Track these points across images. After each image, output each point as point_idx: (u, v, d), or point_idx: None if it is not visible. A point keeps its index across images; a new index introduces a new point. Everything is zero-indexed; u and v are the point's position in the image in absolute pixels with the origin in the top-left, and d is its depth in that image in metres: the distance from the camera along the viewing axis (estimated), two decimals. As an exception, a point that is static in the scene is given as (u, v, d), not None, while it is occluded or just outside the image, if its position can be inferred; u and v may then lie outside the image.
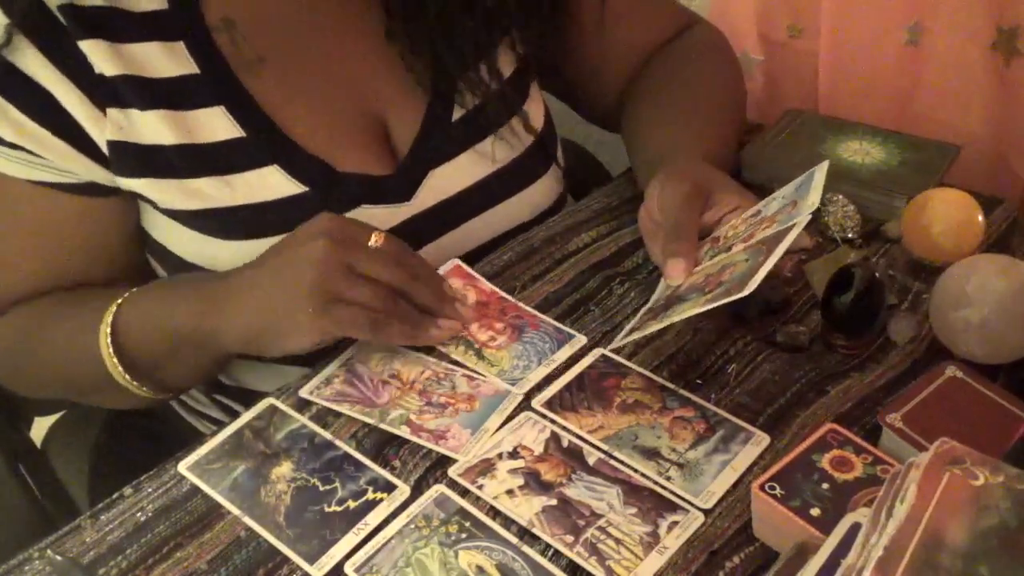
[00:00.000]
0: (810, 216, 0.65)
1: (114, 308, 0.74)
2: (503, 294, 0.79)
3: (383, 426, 0.68)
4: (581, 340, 0.75)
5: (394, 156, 0.84)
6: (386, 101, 0.84)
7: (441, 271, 0.79)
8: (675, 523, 0.60)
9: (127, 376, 0.75)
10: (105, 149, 0.74)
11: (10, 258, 0.79)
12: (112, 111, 0.73)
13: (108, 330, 0.74)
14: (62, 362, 0.79)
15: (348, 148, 0.81)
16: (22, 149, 0.73)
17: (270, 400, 0.71)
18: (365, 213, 0.81)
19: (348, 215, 0.80)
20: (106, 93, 0.73)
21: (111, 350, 0.74)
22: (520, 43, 0.89)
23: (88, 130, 0.73)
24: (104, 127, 0.74)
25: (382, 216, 0.81)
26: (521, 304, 0.79)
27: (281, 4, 0.80)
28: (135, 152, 0.75)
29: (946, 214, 0.77)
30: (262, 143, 0.77)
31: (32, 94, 0.72)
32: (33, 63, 0.71)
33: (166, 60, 0.75)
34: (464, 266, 0.81)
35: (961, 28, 1.01)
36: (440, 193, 0.84)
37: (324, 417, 0.70)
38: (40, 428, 1.02)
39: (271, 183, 0.78)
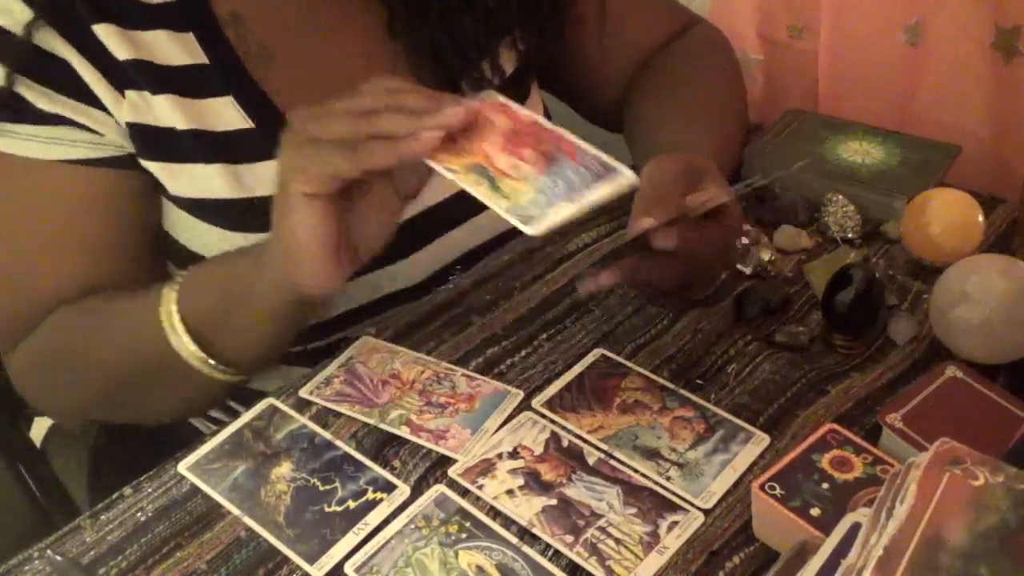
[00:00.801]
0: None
1: (175, 285, 0.71)
2: (543, 122, 0.64)
3: (383, 426, 0.68)
4: (629, 177, 0.60)
5: None
6: None
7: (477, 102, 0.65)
8: (675, 523, 0.60)
9: (193, 347, 0.71)
10: (125, 130, 0.74)
11: (49, 250, 0.77)
12: (130, 93, 0.73)
13: (174, 303, 0.70)
14: (118, 355, 0.76)
15: None
16: (60, 120, 0.72)
17: (270, 400, 0.71)
18: None
19: None
20: (122, 75, 0.73)
21: (176, 319, 0.70)
22: (521, 42, 0.89)
23: (111, 110, 0.73)
24: (122, 108, 0.73)
25: None
26: (565, 133, 0.63)
27: (286, 1, 0.79)
28: (152, 134, 0.74)
29: (946, 214, 0.77)
30: (271, 135, 0.77)
31: (63, 72, 0.71)
32: (60, 47, 0.71)
33: (176, 49, 0.75)
34: (502, 98, 0.66)
35: (961, 28, 1.01)
36: (442, 191, 0.84)
37: (324, 417, 0.70)
38: (40, 428, 1.01)
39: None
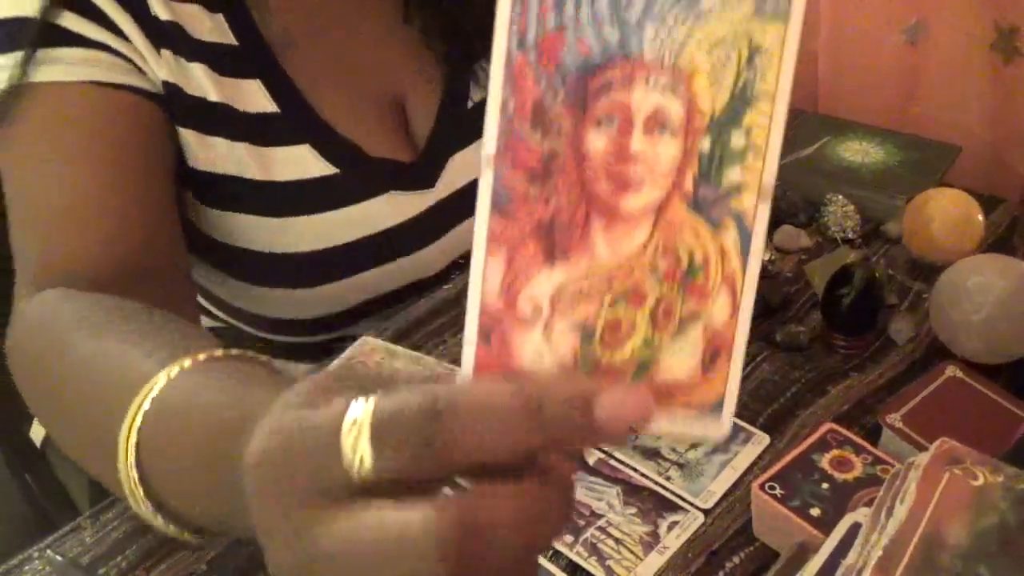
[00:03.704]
0: None
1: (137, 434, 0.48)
2: None
3: (383, 426, 0.68)
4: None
5: (413, 141, 0.83)
6: (404, 85, 0.83)
7: None
8: (675, 523, 0.60)
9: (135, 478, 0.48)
10: (162, 90, 0.72)
11: (82, 186, 0.67)
12: (166, 52, 0.72)
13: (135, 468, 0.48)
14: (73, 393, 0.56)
15: (374, 131, 0.81)
16: (103, 47, 0.68)
17: (270, 400, 0.71)
18: (393, 199, 0.80)
19: (376, 200, 0.79)
20: (160, 34, 0.71)
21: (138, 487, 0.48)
22: None
23: (151, 64, 0.71)
24: (161, 66, 0.71)
25: (408, 203, 0.81)
26: None
27: None
28: (184, 99, 0.73)
29: (946, 214, 0.77)
30: (295, 121, 0.77)
31: (103, 19, 0.69)
32: (101, 1, 0.69)
33: (208, 24, 0.74)
34: None
35: (960, 28, 1.01)
36: (461, 179, 0.84)
37: (324, 417, 0.70)
38: (40, 428, 1.01)
39: (303, 162, 0.77)
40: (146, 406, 0.47)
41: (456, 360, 0.74)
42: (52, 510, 0.95)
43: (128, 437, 0.47)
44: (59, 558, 0.60)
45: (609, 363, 0.32)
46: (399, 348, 0.75)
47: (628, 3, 0.30)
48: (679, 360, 0.32)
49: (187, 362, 0.47)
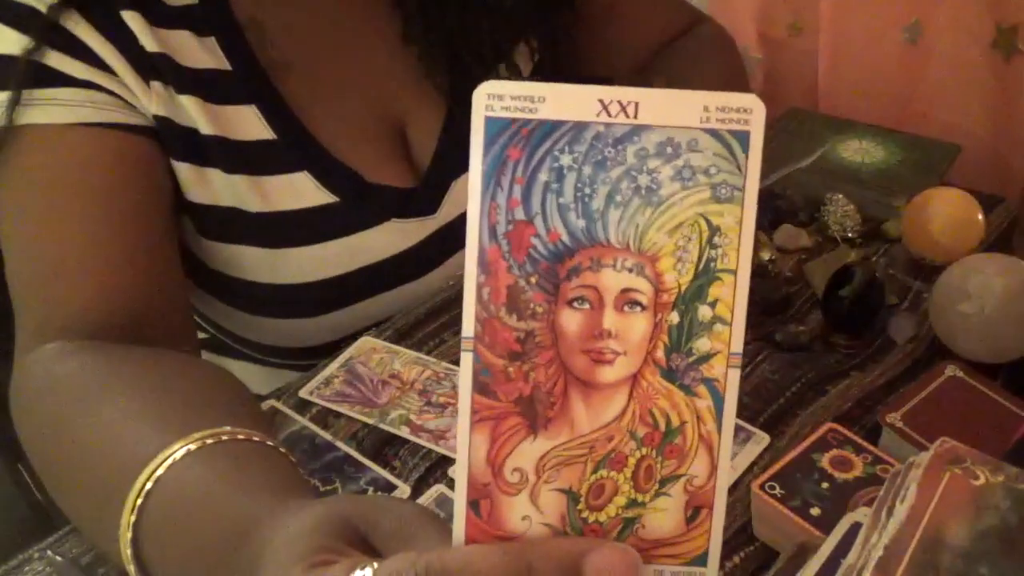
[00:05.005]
0: None
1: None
2: None
3: (383, 426, 0.68)
4: None
5: (414, 166, 0.82)
6: (405, 108, 0.82)
7: None
8: (675, 523, 0.60)
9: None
10: (154, 123, 0.70)
11: (79, 235, 0.66)
12: (156, 84, 0.70)
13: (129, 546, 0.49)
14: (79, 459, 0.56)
15: (373, 157, 0.79)
16: (92, 86, 0.67)
17: (271, 402, 0.71)
18: (394, 227, 0.79)
19: (377, 228, 0.78)
20: (149, 66, 0.69)
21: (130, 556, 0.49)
22: (538, 45, 0.88)
23: (140, 99, 0.69)
24: (151, 99, 0.69)
25: (410, 230, 0.80)
26: None
27: (303, 7, 0.77)
28: (177, 132, 0.71)
29: (946, 213, 0.78)
30: (292, 147, 0.75)
31: (90, 56, 0.67)
32: (85, 33, 0.67)
33: (199, 51, 0.72)
34: None
35: (961, 26, 1.01)
36: (464, 204, 0.83)
37: (324, 418, 0.70)
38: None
39: (301, 191, 0.76)
40: (148, 486, 0.48)
41: (456, 360, 0.74)
42: (52, 510, 0.94)
43: (129, 516, 0.48)
44: (59, 558, 0.60)
45: (595, 523, 0.34)
46: (399, 348, 0.75)
47: (592, 193, 0.32)
48: (663, 517, 0.34)
49: (192, 445, 0.49)
